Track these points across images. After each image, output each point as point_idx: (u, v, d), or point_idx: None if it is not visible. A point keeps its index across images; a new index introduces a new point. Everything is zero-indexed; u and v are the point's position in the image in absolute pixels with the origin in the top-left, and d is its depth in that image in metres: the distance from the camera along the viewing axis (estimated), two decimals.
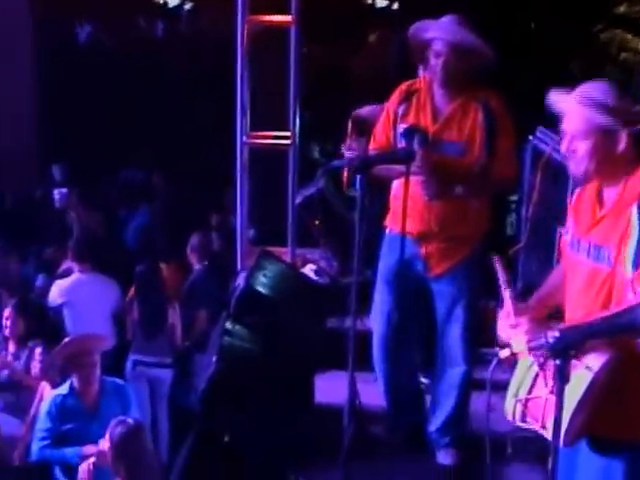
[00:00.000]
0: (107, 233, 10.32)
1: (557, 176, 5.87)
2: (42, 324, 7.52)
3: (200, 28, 17.05)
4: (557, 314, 3.65)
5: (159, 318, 7.55)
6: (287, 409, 5.40)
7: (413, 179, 4.63)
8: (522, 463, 5.23)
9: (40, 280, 8.79)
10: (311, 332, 5.64)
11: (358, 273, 4.06)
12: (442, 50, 4.95)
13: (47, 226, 10.65)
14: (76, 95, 13.96)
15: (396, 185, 5.19)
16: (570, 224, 3.62)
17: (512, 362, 3.43)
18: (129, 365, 7.41)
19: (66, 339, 6.50)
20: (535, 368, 3.35)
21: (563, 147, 3.48)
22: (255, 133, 6.59)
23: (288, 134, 6.48)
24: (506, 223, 7.80)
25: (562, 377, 3.10)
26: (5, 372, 6.98)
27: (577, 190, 3.65)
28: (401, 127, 5.09)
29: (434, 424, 5.37)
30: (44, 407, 6.10)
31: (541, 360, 3.28)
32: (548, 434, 3.29)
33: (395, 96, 5.20)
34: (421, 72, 5.48)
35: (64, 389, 6.09)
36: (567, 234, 3.63)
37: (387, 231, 5.32)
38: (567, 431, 3.23)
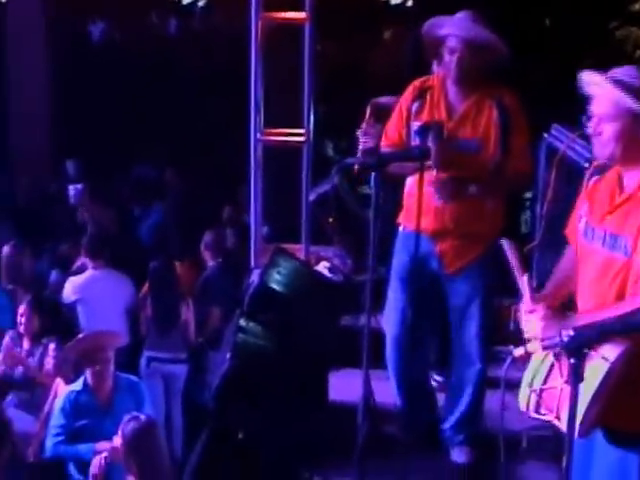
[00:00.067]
0: (120, 229, 10.34)
1: (571, 173, 5.84)
2: (56, 321, 7.53)
3: (214, 25, 17.04)
4: (569, 303, 3.63)
5: (172, 315, 7.57)
6: (301, 407, 5.40)
7: (427, 176, 4.63)
8: (537, 462, 5.22)
9: (54, 275, 8.81)
10: (325, 330, 5.63)
11: (372, 271, 4.05)
12: (456, 46, 4.93)
13: (61, 222, 10.68)
14: (89, 93, 13.97)
15: (410, 182, 5.19)
16: (584, 212, 3.58)
17: (526, 360, 3.41)
18: (143, 362, 7.43)
19: (80, 335, 6.52)
20: (550, 358, 3.33)
21: (590, 129, 3.46)
22: (269, 130, 6.58)
23: (302, 131, 6.47)
24: (521, 221, 7.77)
25: (576, 376, 3.09)
26: (20, 369, 7.00)
27: (594, 178, 3.61)
28: (415, 124, 5.08)
29: (448, 422, 5.36)
30: (58, 403, 6.12)
31: (557, 350, 3.27)
32: (562, 425, 3.26)
33: (408, 93, 5.18)
34: (435, 67, 5.45)
35: (78, 385, 6.11)
36: (580, 222, 3.60)
37: (400, 228, 5.31)
38: (582, 422, 3.20)
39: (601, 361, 3.19)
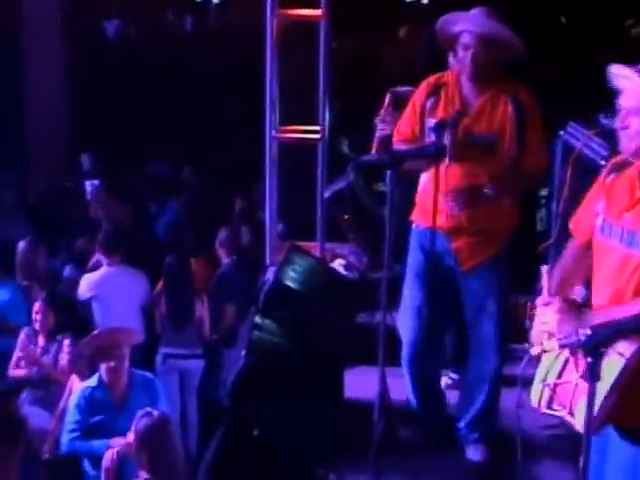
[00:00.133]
0: (135, 226, 10.34)
1: (588, 171, 5.82)
2: (71, 318, 7.54)
3: (229, 22, 17.09)
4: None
5: (187, 311, 7.56)
6: (316, 404, 5.40)
7: (442, 173, 4.62)
8: (553, 461, 5.20)
9: (68, 271, 8.80)
10: (340, 327, 5.62)
11: (388, 268, 4.05)
12: (471, 42, 4.92)
13: (76, 219, 10.70)
14: (105, 90, 14.02)
15: (424, 180, 5.18)
16: (601, 209, 3.55)
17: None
18: (159, 359, 7.42)
19: (95, 331, 6.53)
20: (565, 353, 3.32)
21: (617, 122, 3.43)
22: (284, 127, 6.57)
23: (317, 128, 6.46)
24: (536, 219, 7.74)
25: (593, 375, 3.08)
26: (35, 369, 7.01)
27: (611, 176, 3.59)
28: (430, 121, 5.07)
29: (463, 420, 5.35)
30: (73, 400, 6.13)
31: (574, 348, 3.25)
32: (574, 421, 3.25)
33: (422, 89, 5.17)
34: (452, 60, 5.40)
35: (93, 381, 6.12)
36: (597, 219, 3.57)
37: (414, 225, 5.30)
38: (596, 417, 3.18)
39: (617, 357, 3.18)
